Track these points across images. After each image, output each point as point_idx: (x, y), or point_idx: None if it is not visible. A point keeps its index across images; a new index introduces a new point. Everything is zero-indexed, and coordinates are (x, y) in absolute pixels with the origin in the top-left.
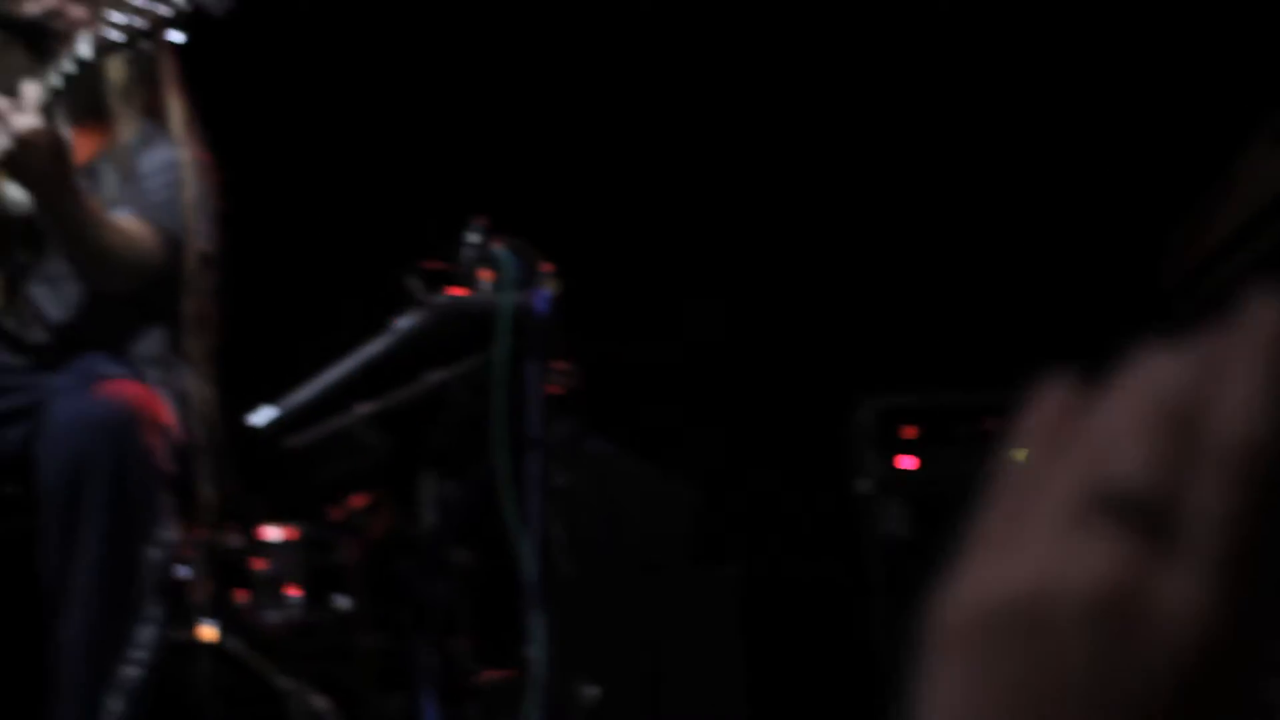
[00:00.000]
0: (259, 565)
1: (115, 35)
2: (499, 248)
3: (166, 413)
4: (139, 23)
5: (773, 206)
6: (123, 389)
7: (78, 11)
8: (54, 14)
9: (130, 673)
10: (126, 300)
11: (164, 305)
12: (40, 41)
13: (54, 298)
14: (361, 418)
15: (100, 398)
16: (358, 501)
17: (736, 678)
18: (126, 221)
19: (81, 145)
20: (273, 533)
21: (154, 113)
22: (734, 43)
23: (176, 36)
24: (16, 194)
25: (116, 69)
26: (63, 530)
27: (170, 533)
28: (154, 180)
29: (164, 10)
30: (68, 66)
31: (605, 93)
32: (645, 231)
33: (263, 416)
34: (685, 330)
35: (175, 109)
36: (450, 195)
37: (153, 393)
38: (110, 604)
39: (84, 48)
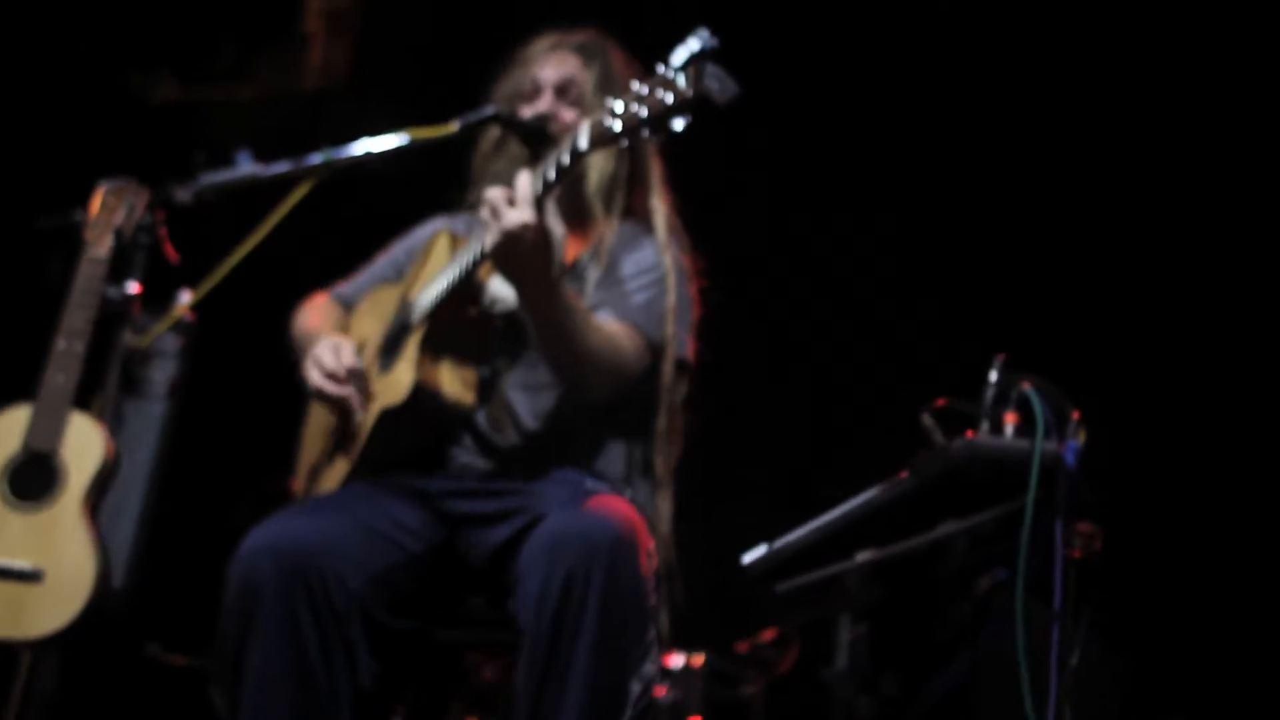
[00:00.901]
0: (659, 692)
1: (614, 125)
2: (1026, 389)
3: (648, 536)
4: (639, 112)
5: None
6: (617, 507)
7: (570, 116)
8: (548, 118)
9: None
10: (602, 411)
11: (637, 416)
12: (537, 143)
13: (530, 405)
14: (858, 566)
15: (596, 515)
16: (767, 635)
17: None
18: (608, 324)
19: (568, 246)
20: (677, 659)
21: (638, 213)
22: None
23: (678, 125)
24: (503, 291)
25: (602, 168)
26: (548, 650)
27: (653, 667)
28: (635, 282)
29: (667, 99)
30: (563, 159)
31: (1147, 226)
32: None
33: (753, 555)
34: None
35: (660, 210)
36: (972, 327)
37: (641, 514)
38: None
39: (581, 139)
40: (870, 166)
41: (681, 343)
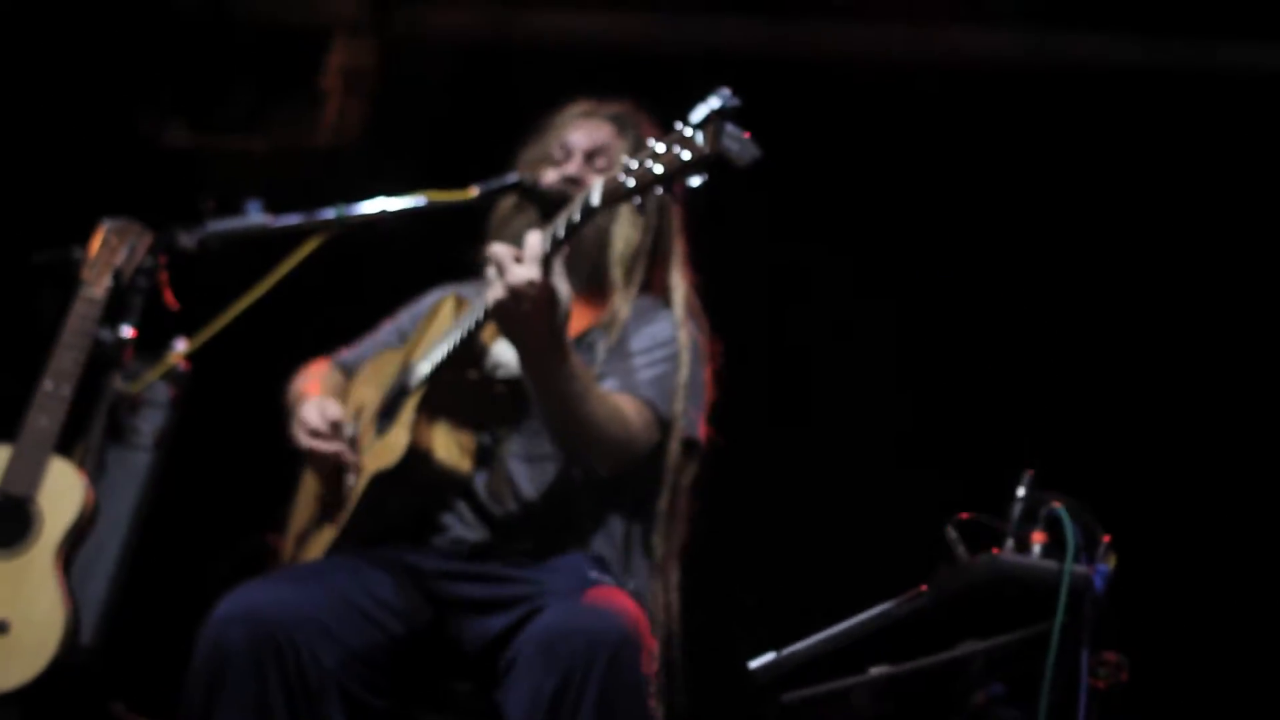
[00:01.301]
0: None
1: (627, 181)
2: (1057, 507)
3: (650, 635)
4: (654, 169)
5: None
6: (620, 602)
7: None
8: (572, 181)
9: None
10: (605, 487)
11: (641, 494)
12: (556, 212)
13: (531, 476)
14: (870, 681)
15: (598, 611)
16: None
17: None
18: (614, 396)
19: (579, 316)
20: None
21: (657, 288)
22: None
23: (694, 183)
24: (507, 356)
25: (627, 237)
26: None
27: None
28: (646, 357)
29: (683, 156)
30: (574, 216)
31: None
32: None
33: (761, 661)
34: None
35: (680, 286)
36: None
37: (641, 604)
38: None
39: (594, 195)
40: (904, 265)
41: (692, 422)
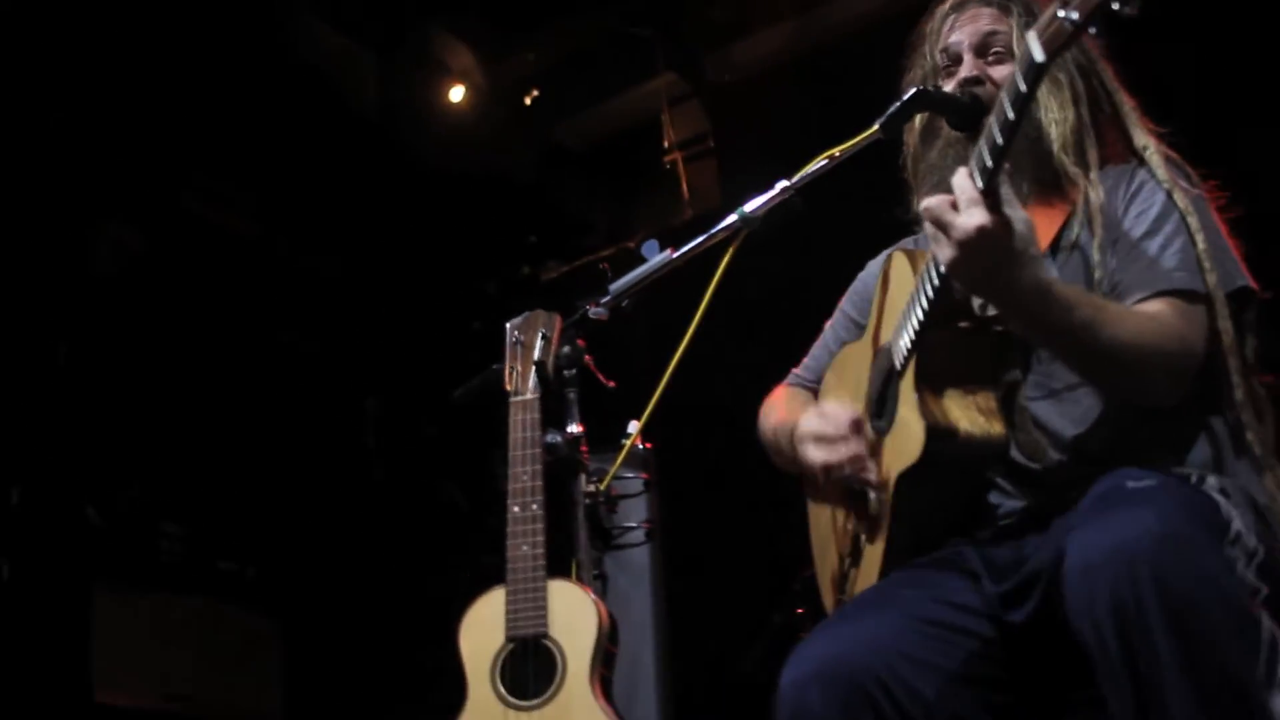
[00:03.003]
0: None
1: (1070, 14)
2: None
3: (1222, 520)
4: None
5: None
6: (1153, 498)
7: (1001, 73)
8: (977, 81)
9: None
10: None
11: (1209, 389)
12: (971, 118)
13: (1064, 412)
14: None
15: (1121, 520)
16: None
17: None
18: (1136, 308)
19: (1043, 223)
20: None
21: (1118, 159)
22: None
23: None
24: None
25: (1060, 118)
26: (1134, 705)
27: None
28: (1153, 241)
29: None
30: (1007, 113)
31: None
32: None
33: None
34: None
35: (1148, 142)
36: None
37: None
38: None
39: (1032, 53)
40: None
41: (1231, 275)
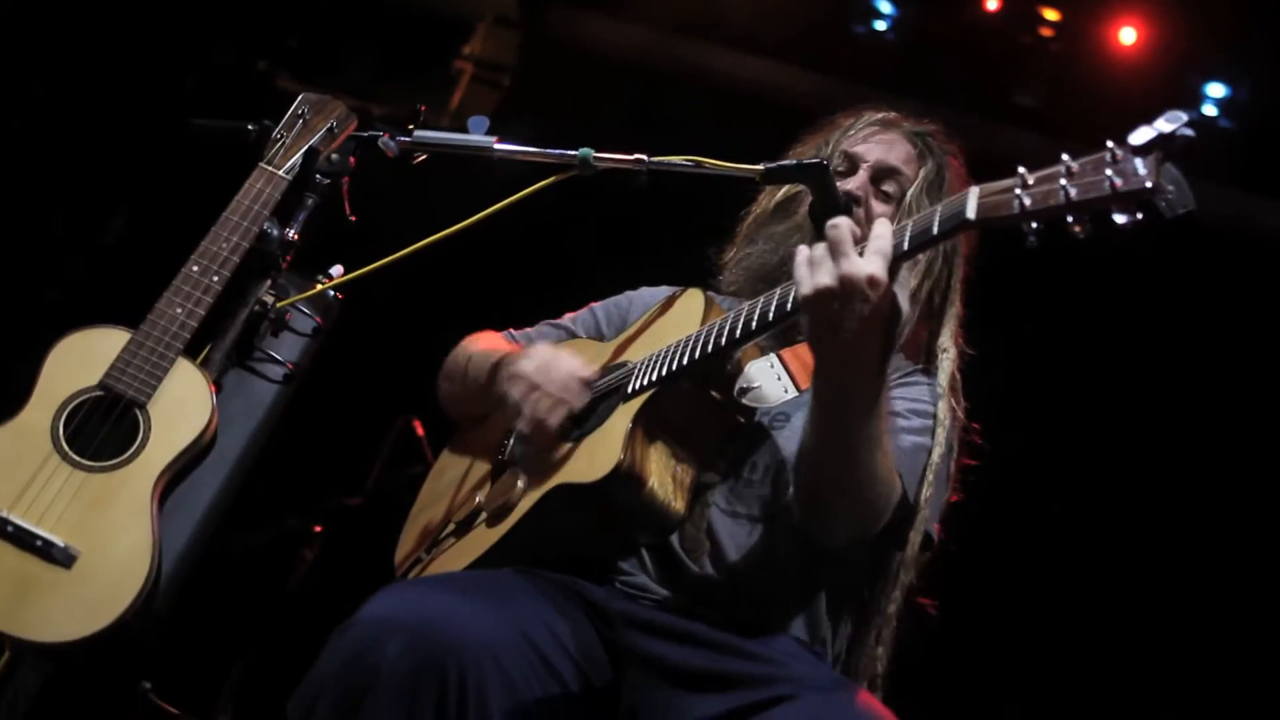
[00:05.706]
0: None
1: (1021, 199)
2: None
3: None
4: (1066, 190)
5: None
6: (876, 707)
7: (880, 210)
8: (856, 199)
9: None
10: (812, 562)
11: (858, 584)
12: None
13: (736, 536)
14: None
15: (863, 712)
16: None
17: None
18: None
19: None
20: None
21: (911, 349)
22: None
23: (1119, 220)
24: (763, 386)
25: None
26: None
27: None
28: (903, 422)
29: (1113, 182)
30: (934, 224)
31: None
32: None
33: None
34: None
35: (950, 353)
36: None
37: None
38: None
39: (970, 205)
40: None
41: (933, 515)
